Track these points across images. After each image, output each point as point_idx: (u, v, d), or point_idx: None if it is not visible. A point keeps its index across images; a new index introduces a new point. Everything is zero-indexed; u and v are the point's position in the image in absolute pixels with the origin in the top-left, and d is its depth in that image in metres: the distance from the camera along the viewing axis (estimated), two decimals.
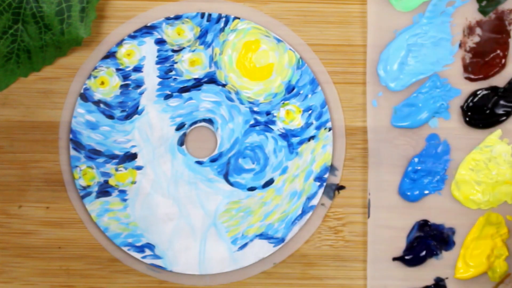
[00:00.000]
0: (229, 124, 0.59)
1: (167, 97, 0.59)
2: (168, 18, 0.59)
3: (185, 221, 0.59)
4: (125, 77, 0.59)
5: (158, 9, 0.59)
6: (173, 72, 0.59)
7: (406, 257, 0.59)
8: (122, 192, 0.59)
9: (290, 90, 0.59)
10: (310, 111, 0.59)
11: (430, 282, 0.59)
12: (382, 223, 0.59)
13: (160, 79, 0.59)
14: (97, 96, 0.59)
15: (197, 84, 0.59)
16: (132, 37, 0.59)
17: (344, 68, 0.59)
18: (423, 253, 0.59)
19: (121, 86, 0.59)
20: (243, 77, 0.59)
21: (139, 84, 0.59)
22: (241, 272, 0.59)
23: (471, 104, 0.59)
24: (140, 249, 0.59)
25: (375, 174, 0.59)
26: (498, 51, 0.59)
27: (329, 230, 0.59)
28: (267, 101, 0.59)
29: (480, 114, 0.59)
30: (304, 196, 0.59)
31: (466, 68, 0.59)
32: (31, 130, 0.59)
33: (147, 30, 0.59)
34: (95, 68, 0.59)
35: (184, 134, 0.59)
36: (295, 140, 0.59)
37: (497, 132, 0.59)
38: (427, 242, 0.59)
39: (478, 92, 0.59)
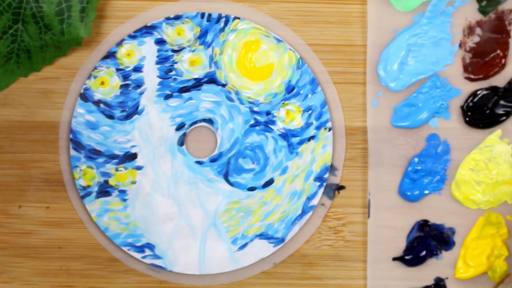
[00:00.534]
0: (229, 124, 0.59)
1: (167, 97, 0.59)
2: (168, 18, 0.59)
3: (185, 221, 0.59)
4: (125, 77, 0.59)
5: (158, 9, 0.59)
6: (173, 72, 0.59)
7: (406, 257, 0.59)
8: (122, 192, 0.59)
9: (290, 90, 0.59)
10: (310, 111, 0.59)
11: (430, 282, 0.59)
12: (382, 223, 0.59)
13: (160, 79, 0.59)
14: (97, 96, 0.59)
15: (197, 84, 0.59)
16: (132, 37, 0.59)
17: (344, 68, 0.59)
18: (423, 253, 0.59)
19: (121, 86, 0.59)
20: (243, 77, 0.59)
21: (139, 84, 0.59)
22: (241, 272, 0.59)
23: (471, 104, 0.59)
24: (140, 249, 0.59)
25: (375, 174, 0.59)
26: (498, 51, 0.59)
27: (329, 230, 0.59)
28: (267, 101, 0.59)
29: (480, 114, 0.59)
30: (304, 196, 0.59)
31: (466, 68, 0.59)
32: (31, 130, 0.59)
33: (147, 30, 0.59)
34: (95, 68, 0.59)
35: (184, 134, 0.59)
36: (295, 140, 0.59)
37: (497, 132, 0.59)
38: (427, 242, 0.59)
39: (478, 92, 0.59)
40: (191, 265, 0.59)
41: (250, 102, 0.59)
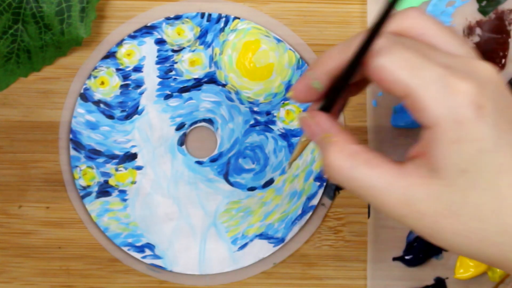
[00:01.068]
0: (229, 124, 0.59)
1: (167, 97, 0.59)
2: (168, 18, 0.59)
3: (185, 221, 0.59)
4: (125, 77, 0.59)
5: (158, 9, 0.59)
6: (173, 72, 0.59)
7: (406, 257, 0.59)
8: (122, 192, 0.59)
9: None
10: None
11: (430, 282, 0.59)
12: (382, 223, 0.59)
13: (160, 79, 0.59)
14: (97, 96, 0.59)
15: (197, 84, 0.59)
16: (132, 37, 0.59)
17: None
18: (423, 253, 0.59)
19: (121, 86, 0.59)
20: (243, 77, 0.59)
21: (139, 84, 0.59)
22: (241, 272, 0.59)
23: None
24: (140, 249, 0.59)
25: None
26: (498, 51, 0.59)
27: (329, 230, 0.59)
28: (267, 101, 0.59)
29: None
30: (304, 196, 0.59)
31: None
32: (31, 130, 0.59)
33: (147, 30, 0.59)
34: (95, 68, 0.59)
35: (184, 134, 0.59)
36: (295, 140, 0.59)
37: None
38: (427, 242, 0.59)
39: None
40: (191, 265, 0.59)
41: (250, 102, 0.59)
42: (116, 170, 0.59)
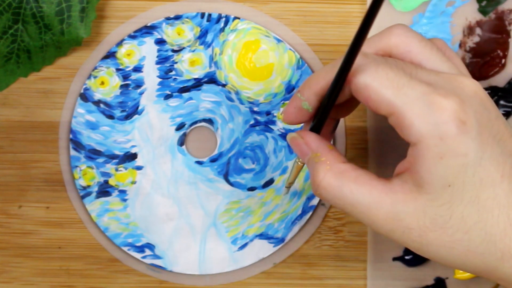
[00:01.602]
0: (229, 124, 0.59)
1: (167, 97, 0.59)
2: (168, 18, 0.59)
3: (185, 221, 0.59)
4: (125, 77, 0.59)
5: (158, 9, 0.59)
6: (173, 72, 0.59)
7: (406, 257, 0.59)
8: (122, 192, 0.59)
9: (290, 90, 0.59)
10: None
11: (430, 282, 0.59)
12: None
13: (160, 79, 0.59)
14: (97, 96, 0.59)
15: (197, 84, 0.59)
16: (132, 37, 0.59)
17: None
18: None
19: (121, 86, 0.59)
20: (243, 77, 0.59)
21: (139, 84, 0.59)
22: (241, 272, 0.59)
23: None
24: (140, 249, 0.59)
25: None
26: (498, 51, 0.59)
27: (329, 230, 0.59)
28: (267, 101, 0.59)
29: None
30: (304, 196, 0.59)
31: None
32: (31, 130, 0.59)
33: (147, 30, 0.59)
34: (95, 68, 0.59)
35: (184, 134, 0.59)
36: None
37: None
38: None
39: None
40: (191, 265, 0.59)
41: (250, 102, 0.59)
42: (116, 170, 0.59)
